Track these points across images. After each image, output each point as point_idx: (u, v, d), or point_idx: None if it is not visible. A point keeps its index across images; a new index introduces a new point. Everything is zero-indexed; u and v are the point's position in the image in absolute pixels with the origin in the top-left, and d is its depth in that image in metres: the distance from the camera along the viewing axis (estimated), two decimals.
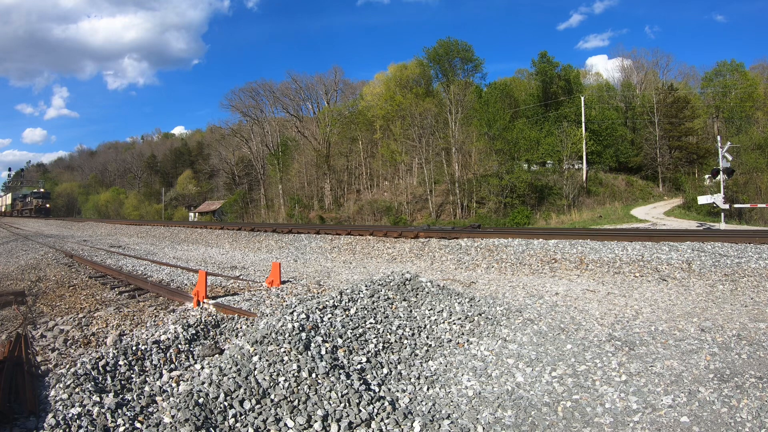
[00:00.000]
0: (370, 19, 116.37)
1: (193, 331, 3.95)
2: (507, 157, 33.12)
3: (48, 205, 58.82)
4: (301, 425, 2.58)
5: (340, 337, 3.57)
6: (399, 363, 3.47)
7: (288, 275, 7.31)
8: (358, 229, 12.25)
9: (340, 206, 41.52)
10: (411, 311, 4.22)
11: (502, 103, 37.16)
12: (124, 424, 2.64)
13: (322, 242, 11.06)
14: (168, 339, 3.74)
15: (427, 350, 3.70)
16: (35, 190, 61.48)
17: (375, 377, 3.22)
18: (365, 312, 4.04)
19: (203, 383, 2.79)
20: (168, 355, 3.56)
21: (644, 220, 23.12)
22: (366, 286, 4.53)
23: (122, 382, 3.14)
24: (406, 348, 3.68)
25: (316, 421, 2.60)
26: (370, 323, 3.89)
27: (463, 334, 3.96)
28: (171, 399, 2.85)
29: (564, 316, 4.32)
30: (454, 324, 4.08)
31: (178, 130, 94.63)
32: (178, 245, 14.13)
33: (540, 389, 3.03)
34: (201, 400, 2.64)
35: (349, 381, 2.94)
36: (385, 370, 3.34)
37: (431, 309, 4.29)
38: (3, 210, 69.61)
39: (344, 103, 47.51)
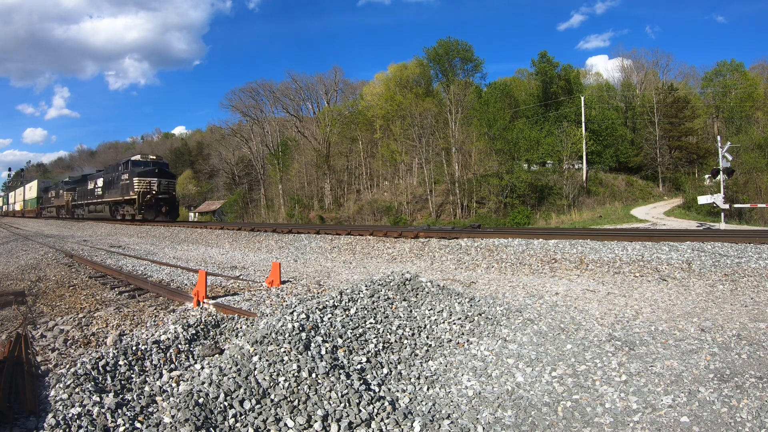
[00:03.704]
0: (370, 19, 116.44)
1: (193, 331, 3.95)
2: (507, 157, 33.17)
3: (174, 192, 25.17)
4: (301, 425, 2.58)
5: (340, 337, 3.57)
6: (399, 363, 3.47)
7: (288, 275, 7.30)
8: (358, 229, 12.26)
9: (340, 206, 41.55)
10: (411, 311, 4.22)
11: (502, 103, 37.20)
12: (124, 424, 2.64)
13: (322, 242, 11.06)
14: (168, 339, 3.73)
15: (427, 350, 3.70)
16: (139, 158, 25.20)
17: (375, 377, 3.22)
18: (365, 312, 4.04)
19: (203, 383, 2.79)
20: (168, 355, 3.56)
21: (644, 220, 23.13)
22: (366, 286, 4.53)
23: (122, 382, 3.14)
24: (406, 348, 3.68)
25: (316, 421, 2.60)
26: (370, 323, 3.89)
27: (463, 334, 3.96)
28: (171, 399, 2.85)
29: (564, 316, 4.32)
30: (454, 324, 4.08)
31: (179, 130, 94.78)
32: (178, 245, 14.13)
33: (540, 389, 3.03)
34: (201, 400, 2.64)
35: (349, 381, 2.94)
36: (385, 370, 3.34)
37: (431, 309, 4.29)
38: (19, 208, 47.85)
39: (344, 103, 47.61)
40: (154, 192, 23.00)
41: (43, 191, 42.50)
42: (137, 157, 24.97)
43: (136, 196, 22.47)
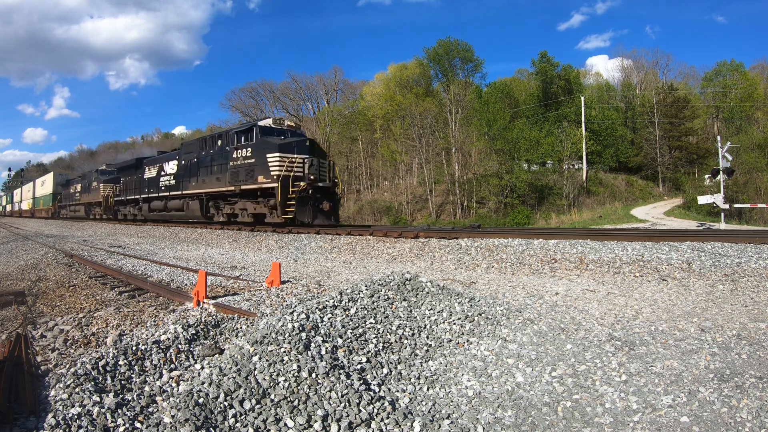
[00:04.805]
0: (370, 19, 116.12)
1: (193, 331, 3.95)
2: (507, 157, 33.20)
3: (336, 179, 14.75)
4: (301, 425, 2.58)
5: (340, 337, 3.57)
6: (399, 363, 3.47)
7: (288, 275, 7.30)
8: (358, 229, 12.24)
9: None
10: (411, 311, 4.22)
11: (502, 103, 37.23)
12: (124, 424, 2.64)
13: (322, 242, 11.06)
14: (168, 339, 3.73)
15: (427, 350, 3.70)
16: (271, 123, 14.81)
17: (375, 377, 3.22)
18: (365, 312, 4.04)
19: (203, 383, 2.79)
20: (168, 355, 3.56)
21: (644, 220, 23.15)
22: (366, 286, 4.53)
23: (122, 382, 3.14)
24: (406, 348, 3.68)
25: (316, 421, 2.60)
26: (370, 323, 3.89)
27: (463, 334, 3.96)
28: (171, 399, 2.85)
29: (564, 316, 4.32)
30: (454, 324, 4.08)
31: (179, 130, 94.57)
32: (178, 245, 14.12)
33: (540, 389, 3.03)
34: (201, 400, 2.64)
35: (349, 381, 2.94)
36: (385, 370, 3.34)
37: (431, 309, 4.29)
38: (28, 207, 41.90)
39: (344, 103, 47.62)
40: (311, 178, 13.26)
41: (63, 185, 34.34)
42: (268, 122, 14.78)
43: (275, 185, 12.96)
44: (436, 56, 39.59)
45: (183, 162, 18.00)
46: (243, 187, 14.25)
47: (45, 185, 38.45)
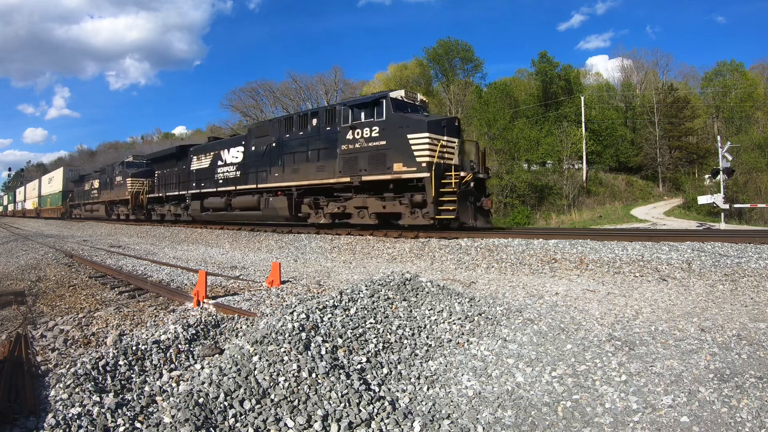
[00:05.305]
0: (370, 19, 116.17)
1: (193, 331, 3.95)
2: (507, 157, 33.15)
3: (488, 168, 11.63)
4: (301, 425, 2.58)
5: (340, 337, 3.58)
6: (399, 363, 3.47)
7: (288, 275, 7.30)
8: (358, 228, 12.23)
9: None
10: (411, 311, 4.22)
11: (502, 103, 37.17)
12: (124, 424, 2.64)
13: (322, 242, 11.06)
14: (168, 339, 3.74)
15: (427, 350, 3.71)
16: (402, 95, 10.98)
17: (375, 377, 3.22)
18: (365, 312, 4.04)
19: (203, 383, 2.79)
20: (168, 355, 3.56)
21: (644, 220, 23.16)
22: (366, 286, 4.53)
23: (122, 382, 3.14)
24: (406, 348, 3.68)
25: (316, 421, 2.60)
26: (370, 323, 3.89)
27: (463, 334, 3.96)
28: (171, 399, 2.84)
29: (564, 316, 4.32)
30: (454, 324, 4.08)
31: (179, 130, 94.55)
32: (178, 245, 14.13)
33: (540, 389, 3.03)
34: (201, 400, 2.64)
35: (349, 381, 2.94)
36: (385, 370, 3.34)
37: (431, 309, 4.29)
38: (32, 207, 39.10)
39: None
40: (473, 167, 10.75)
41: (75, 182, 30.36)
42: (399, 94, 11.23)
43: (425, 175, 9.85)
44: (436, 56, 39.59)
45: (254, 148, 14.14)
46: (365, 178, 10.85)
47: (53, 182, 34.16)
